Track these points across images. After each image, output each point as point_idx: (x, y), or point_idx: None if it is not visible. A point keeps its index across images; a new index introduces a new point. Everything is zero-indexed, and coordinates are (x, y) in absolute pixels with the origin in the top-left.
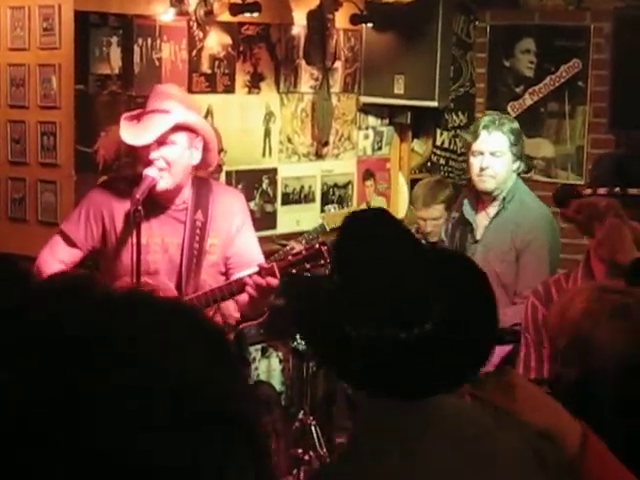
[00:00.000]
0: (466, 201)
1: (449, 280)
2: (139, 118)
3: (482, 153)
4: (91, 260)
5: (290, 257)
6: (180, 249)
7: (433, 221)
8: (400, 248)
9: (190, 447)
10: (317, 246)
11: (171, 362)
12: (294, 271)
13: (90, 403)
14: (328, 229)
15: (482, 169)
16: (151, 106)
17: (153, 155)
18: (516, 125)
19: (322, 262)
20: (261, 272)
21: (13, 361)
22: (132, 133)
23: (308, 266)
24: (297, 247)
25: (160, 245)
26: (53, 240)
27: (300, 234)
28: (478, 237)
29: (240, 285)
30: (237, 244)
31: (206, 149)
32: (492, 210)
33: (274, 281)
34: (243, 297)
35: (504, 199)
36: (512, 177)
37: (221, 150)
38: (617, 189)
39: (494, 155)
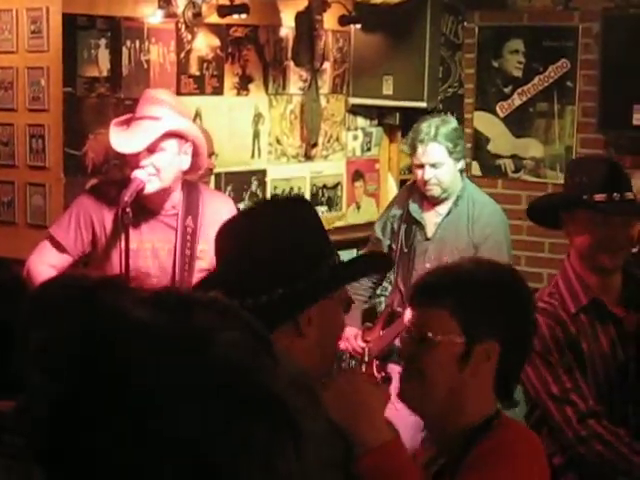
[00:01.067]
0: (411, 201)
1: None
2: (128, 123)
3: (423, 166)
4: (82, 264)
5: None
6: (172, 255)
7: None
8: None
9: (241, 434)
10: None
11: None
12: None
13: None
14: None
15: (426, 181)
16: (141, 112)
17: (143, 162)
18: (452, 127)
19: None
20: None
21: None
22: (122, 140)
23: None
24: None
25: (150, 250)
26: (42, 245)
27: None
28: (429, 235)
29: None
30: None
31: (195, 153)
32: (443, 208)
33: None
34: None
35: (458, 197)
36: (458, 177)
37: (212, 154)
38: (616, 194)
39: (434, 166)
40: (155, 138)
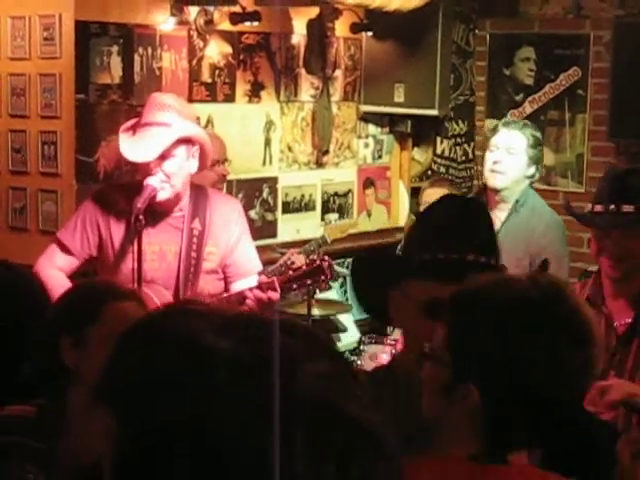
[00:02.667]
0: None
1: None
2: (135, 129)
3: (498, 147)
4: (90, 268)
5: (291, 272)
6: (177, 257)
7: None
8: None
9: (331, 471)
10: (318, 262)
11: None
12: (295, 286)
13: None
14: (329, 241)
15: (495, 162)
16: (149, 117)
17: (154, 169)
18: (538, 134)
19: (323, 278)
20: (262, 286)
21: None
22: (133, 148)
23: (309, 282)
24: (296, 258)
25: (157, 253)
26: (50, 249)
27: (301, 243)
28: None
29: (240, 298)
30: (236, 254)
31: (201, 155)
32: (503, 214)
33: (275, 295)
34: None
35: (517, 202)
36: (525, 182)
37: (225, 160)
38: (612, 206)
39: (508, 151)
40: (167, 146)
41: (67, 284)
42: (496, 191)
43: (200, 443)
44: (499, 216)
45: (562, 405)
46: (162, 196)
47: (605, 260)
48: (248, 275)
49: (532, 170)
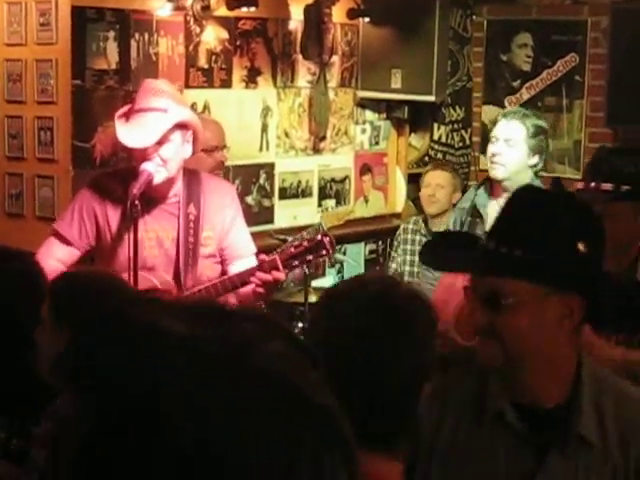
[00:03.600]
0: (482, 190)
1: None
2: (131, 115)
3: (497, 139)
4: (89, 259)
5: (292, 249)
6: (175, 243)
7: (438, 187)
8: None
9: (284, 450)
10: (319, 237)
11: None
12: (296, 262)
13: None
14: (326, 228)
15: (493, 155)
16: (143, 103)
17: (150, 154)
18: (542, 123)
19: (324, 253)
20: (264, 266)
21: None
22: (130, 135)
23: (310, 257)
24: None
25: (155, 240)
26: (48, 241)
27: (297, 229)
28: (488, 228)
29: (242, 279)
30: (231, 236)
31: (194, 140)
32: (504, 201)
33: (280, 275)
34: (244, 290)
35: None
36: (527, 172)
37: (224, 147)
38: (592, 184)
39: (507, 143)
40: (165, 131)
41: None
42: (498, 181)
43: (155, 426)
44: (501, 204)
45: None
46: (157, 179)
47: None
48: (244, 257)
49: (535, 160)
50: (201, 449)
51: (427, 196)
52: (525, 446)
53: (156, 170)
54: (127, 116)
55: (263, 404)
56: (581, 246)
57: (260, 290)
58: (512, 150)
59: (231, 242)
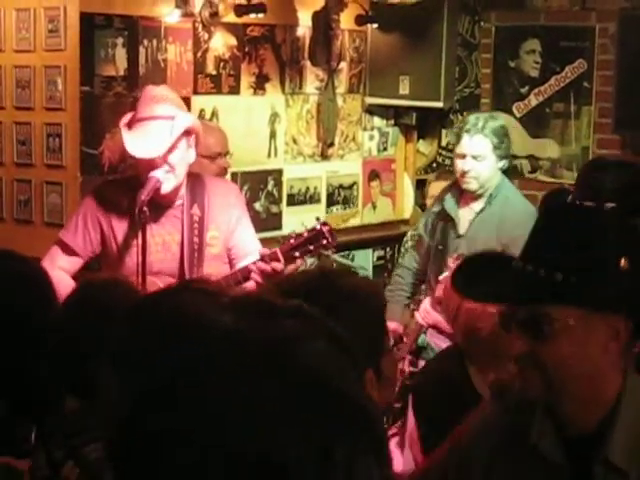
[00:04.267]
0: (449, 196)
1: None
2: (134, 125)
3: (464, 156)
4: (96, 266)
5: (292, 240)
6: (180, 245)
7: None
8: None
9: (323, 445)
10: (319, 227)
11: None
12: (297, 253)
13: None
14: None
15: (464, 172)
16: (147, 111)
17: (159, 163)
18: (499, 124)
19: (324, 242)
20: (265, 258)
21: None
22: (138, 145)
23: (311, 248)
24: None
25: (161, 245)
26: (52, 250)
27: None
28: (461, 232)
29: (245, 273)
30: (237, 235)
31: (196, 144)
32: (477, 206)
33: (279, 265)
34: (248, 285)
35: (490, 195)
36: (497, 175)
37: (227, 153)
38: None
39: (476, 159)
40: (175, 139)
41: (71, 284)
42: (472, 192)
43: (191, 410)
44: (474, 208)
45: None
46: (167, 187)
47: None
48: (251, 255)
49: (502, 163)
50: (242, 442)
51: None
52: (561, 476)
53: (165, 178)
54: (132, 125)
55: (303, 402)
56: (624, 262)
57: (258, 280)
58: (482, 164)
59: (237, 241)
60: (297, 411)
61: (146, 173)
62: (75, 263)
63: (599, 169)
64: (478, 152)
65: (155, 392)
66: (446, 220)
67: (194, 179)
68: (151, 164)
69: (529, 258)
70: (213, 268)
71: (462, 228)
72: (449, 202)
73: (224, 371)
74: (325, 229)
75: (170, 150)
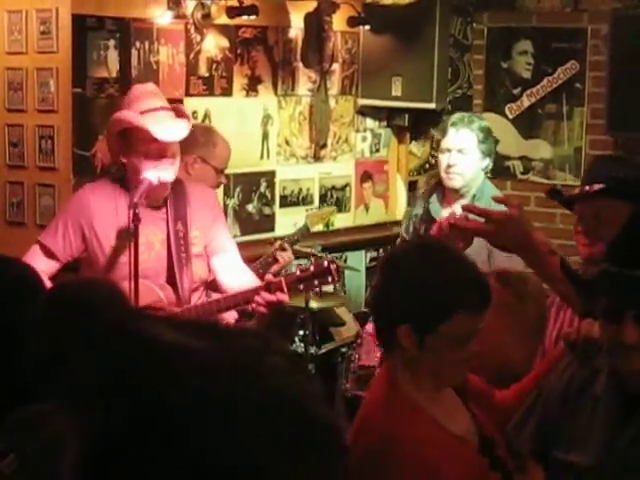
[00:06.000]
0: (434, 197)
1: None
2: (145, 115)
3: (449, 150)
4: (71, 268)
5: (298, 273)
6: (165, 245)
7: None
8: None
9: (294, 462)
10: (326, 264)
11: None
12: (301, 287)
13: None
14: (311, 228)
15: (449, 166)
16: (152, 103)
17: (174, 151)
18: (485, 123)
19: (330, 280)
20: (270, 287)
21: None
22: (162, 129)
23: (316, 283)
24: (281, 254)
25: (145, 244)
26: (31, 251)
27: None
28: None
29: (246, 297)
30: (213, 231)
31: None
32: (460, 208)
33: (284, 297)
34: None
35: (473, 196)
36: (480, 175)
37: (224, 169)
38: (586, 187)
39: (461, 152)
40: (191, 125)
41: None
42: (456, 190)
43: (167, 440)
44: (457, 210)
45: None
46: (169, 177)
47: (579, 239)
48: (226, 251)
49: (486, 162)
50: (211, 458)
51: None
52: (615, 430)
53: (167, 169)
54: (140, 116)
55: (269, 420)
56: None
57: (262, 310)
58: (466, 158)
59: (213, 237)
60: (263, 429)
61: (150, 164)
62: (52, 266)
63: (608, 161)
64: (464, 145)
65: (136, 415)
66: (429, 222)
67: (175, 182)
68: (163, 152)
69: (625, 261)
70: (198, 266)
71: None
72: (434, 204)
73: (188, 393)
74: (332, 267)
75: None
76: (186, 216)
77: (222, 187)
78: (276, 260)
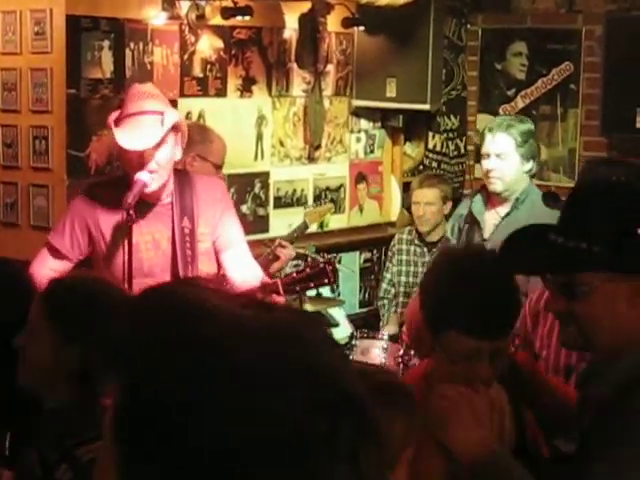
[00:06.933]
0: (478, 197)
1: None
2: (124, 120)
3: (489, 155)
4: (85, 266)
5: (295, 274)
6: (171, 242)
7: (427, 205)
8: None
9: (328, 428)
10: (322, 265)
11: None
12: (298, 288)
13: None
14: (309, 226)
15: (488, 170)
16: (136, 107)
17: (148, 157)
18: (526, 126)
19: (326, 281)
20: (265, 289)
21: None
22: (130, 138)
23: (312, 285)
24: (281, 251)
25: (151, 243)
26: (42, 252)
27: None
28: (486, 235)
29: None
30: (221, 227)
31: (182, 143)
32: (503, 210)
33: (281, 299)
34: None
35: (517, 200)
36: (524, 178)
37: (222, 164)
38: None
39: (499, 157)
40: (166, 131)
41: None
42: (497, 193)
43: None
44: (500, 212)
45: None
46: (153, 187)
47: None
48: (235, 246)
49: (529, 165)
50: (242, 426)
51: (417, 216)
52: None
53: (151, 178)
54: (121, 121)
55: (308, 392)
56: None
57: None
58: (505, 163)
59: (222, 232)
60: (300, 401)
61: (134, 170)
62: (64, 265)
63: (603, 164)
64: (501, 150)
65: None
66: (472, 223)
67: (181, 176)
68: (141, 159)
69: (560, 230)
70: (204, 264)
71: (487, 232)
72: (477, 204)
73: (227, 357)
74: (329, 269)
75: (160, 144)
76: (193, 211)
77: None
78: (277, 257)
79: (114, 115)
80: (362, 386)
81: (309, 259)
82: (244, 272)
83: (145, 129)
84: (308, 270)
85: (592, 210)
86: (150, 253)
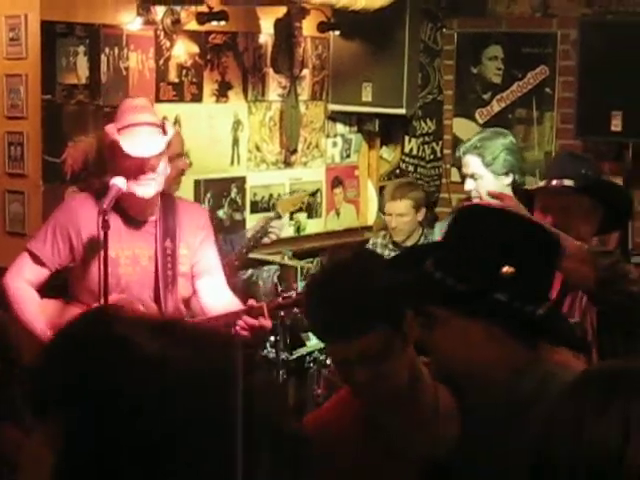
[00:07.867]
0: None
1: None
2: (122, 131)
3: (467, 176)
4: (60, 278)
5: (280, 299)
6: (153, 261)
7: (399, 217)
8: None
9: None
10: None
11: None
12: (283, 313)
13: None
14: (282, 215)
15: (469, 191)
16: (136, 119)
17: (154, 165)
18: (498, 142)
19: None
20: (251, 312)
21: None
22: (135, 145)
23: (297, 311)
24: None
25: (131, 258)
26: (20, 259)
27: (269, 243)
28: None
29: (227, 321)
30: (201, 252)
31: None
32: None
33: (267, 323)
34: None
35: None
36: (506, 191)
37: (182, 154)
38: (555, 181)
39: (473, 177)
40: (168, 140)
41: (35, 298)
42: None
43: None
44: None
45: None
46: (149, 192)
47: None
48: (212, 274)
49: (508, 180)
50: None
51: (391, 228)
52: None
53: (148, 183)
54: (121, 131)
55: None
56: (507, 270)
57: (245, 334)
58: (480, 182)
59: (200, 257)
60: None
61: (131, 177)
62: (41, 274)
63: (573, 158)
64: (472, 171)
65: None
66: None
67: (166, 198)
68: (141, 167)
69: (435, 261)
70: (182, 286)
71: None
72: None
73: (154, 401)
74: None
75: (162, 152)
76: (175, 233)
77: (192, 193)
78: (266, 233)
79: (112, 127)
80: (289, 419)
81: (295, 291)
82: (219, 300)
83: (149, 137)
84: (294, 296)
85: (466, 247)
86: (128, 269)
